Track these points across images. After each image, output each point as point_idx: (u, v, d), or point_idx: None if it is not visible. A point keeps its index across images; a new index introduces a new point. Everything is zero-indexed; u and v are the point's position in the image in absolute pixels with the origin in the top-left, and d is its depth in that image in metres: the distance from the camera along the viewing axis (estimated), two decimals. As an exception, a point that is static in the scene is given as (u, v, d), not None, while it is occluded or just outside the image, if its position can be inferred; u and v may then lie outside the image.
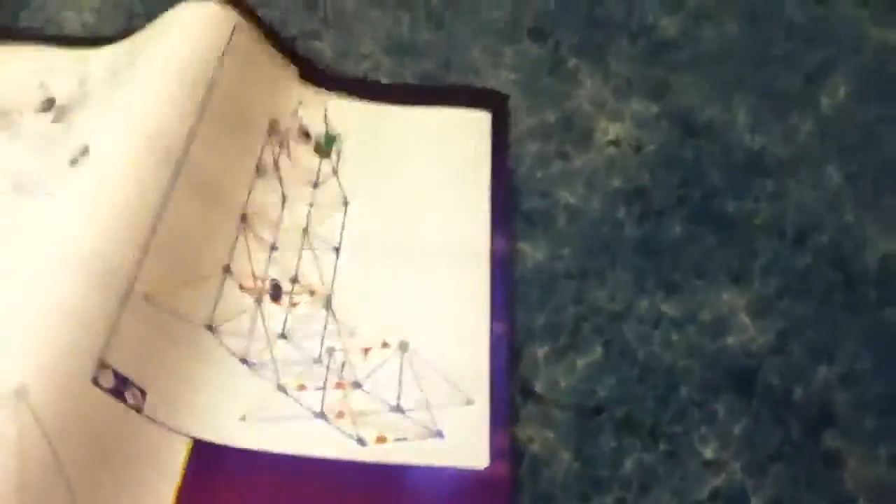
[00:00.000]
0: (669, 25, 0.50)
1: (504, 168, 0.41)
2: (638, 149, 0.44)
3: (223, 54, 0.39)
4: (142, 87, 0.37)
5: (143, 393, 0.29)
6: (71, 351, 0.28)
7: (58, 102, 0.41)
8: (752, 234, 0.40)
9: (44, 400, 0.26)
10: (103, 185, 0.33)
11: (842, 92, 0.46)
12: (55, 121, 0.40)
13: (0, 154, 0.38)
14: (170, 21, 0.41)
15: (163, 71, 0.37)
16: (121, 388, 0.29)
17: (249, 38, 0.42)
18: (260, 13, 0.44)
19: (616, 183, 0.42)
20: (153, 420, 0.29)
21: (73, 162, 0.36)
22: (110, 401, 0.28)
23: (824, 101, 0.46)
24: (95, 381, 0.28)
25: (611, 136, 0.44)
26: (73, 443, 0.26)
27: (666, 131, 0.45)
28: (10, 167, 0.38)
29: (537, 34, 0.49)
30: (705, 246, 0.40)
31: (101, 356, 0.28)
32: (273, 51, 0.43)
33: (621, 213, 0.41)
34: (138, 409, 0.29)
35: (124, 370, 0.29)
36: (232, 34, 0.41)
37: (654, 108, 0.46)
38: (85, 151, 0.35)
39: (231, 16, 0.41)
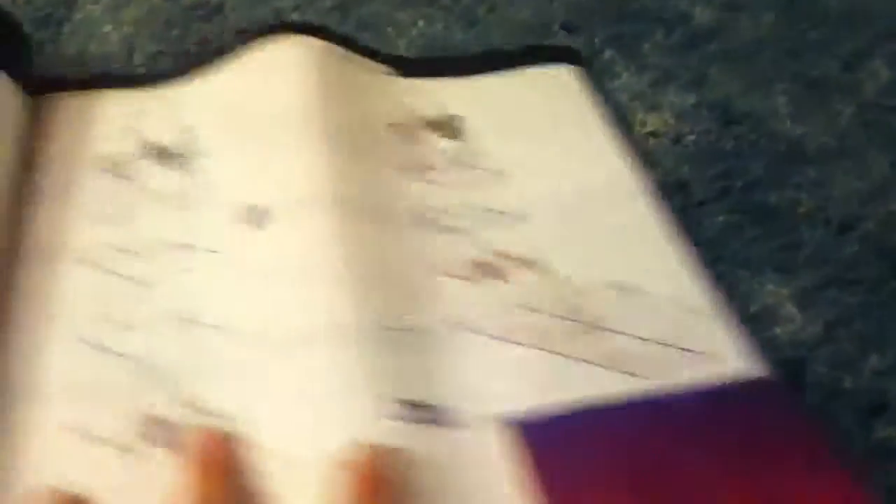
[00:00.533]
0: (704, 15, 0.50)
1: (613, 108, 0.44)
2: (677, 140, 0.43)
3: (326, 83, 0.40)
4: (295, 146, 0.38)
5: (434, 409, 0.31)
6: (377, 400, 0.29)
7: (167, 150, 0.40)
8: (796, 223, 0.40)
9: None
10: (325, 253, 0.33)
11: (884, 76, 0.46)
12: (173, 168, 0.39)
13: (125, 205, 0.38)
14: (266, 61, 0.42)
15: (294, 122, 0.38)
16: (425, 414, 0.30)
17: (337, 55, 0.43)
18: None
19: (655, 175, 0.42)
20: (466, 421, 0.30)
21: (248, 221, 0.35)
22: (427, 429, 0.30)
23: (866, 86, 0.45)
24: (402, 419, 0.29)
25: (649, 128, 0.44)
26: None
27: (705, 122, 0.44)
28: (145, 220, 0.37)
29: (571, 28, 0.49)
30: (748, 237, 0.39)
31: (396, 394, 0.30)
32: (359, 58, 0.45)
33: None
34: (442, 424, 0.30)
35: (418, 397, 0.30)
36: (324, 59, 0.42)
37: (692, 99, 0.46)
38: (258, 213, 0.35)
39: (317, 43, 0.43)
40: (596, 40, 0.49)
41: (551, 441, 0.30)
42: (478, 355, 0.33)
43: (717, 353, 0.33)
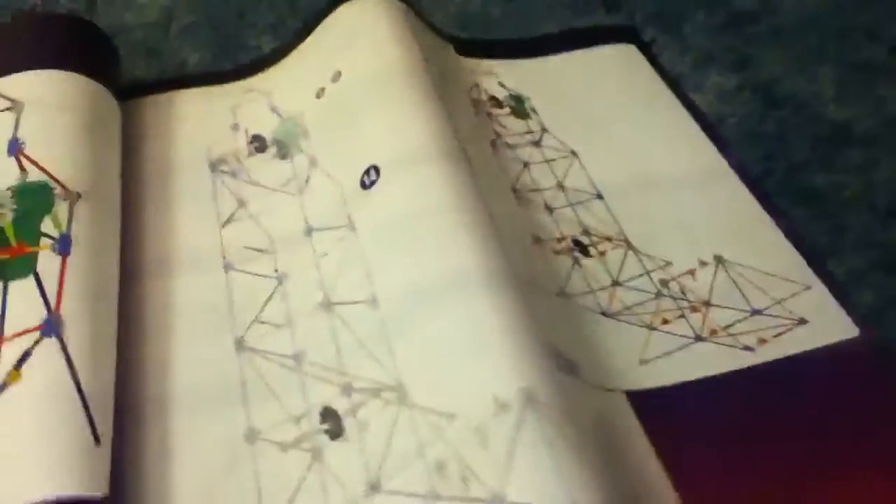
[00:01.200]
0: (747, -5, 0.49)
1: (678, 87, 0.43)
2: (720, 122, 0.43)
3: (419, 46, 0.39)
4: (391, 103, 0.36)
5: (576, 365, 0.30)
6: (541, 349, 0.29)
7: (267, 139, 0.39)
8: (842, 207, 0.40)
9: (549, 400, 0.27)
10: (438, 204, 0.32)
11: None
12: (282, 158, 0.38)
13: (257, 204, 0.36)
14: (350, 23, 0.41)
15: (398, 79, 0.37)
16: (570, 366, 0.30)
17: (418, 23, 0.42)
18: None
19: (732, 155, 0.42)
20: (598, 386, 0.30)
21: (364, 186, 0.34)
22: (574, 381, 0.29)
23: (913, 70, 0.45)
24: (559, 367, 0.29)
25: (692, 110, 0.44)
26: (586, 433, 0.27)
27: (748, 104, 0.44)
28: (266, 215, 0.36)
29: (612, 4, 0.49)
30: (793, 220, 0.39)
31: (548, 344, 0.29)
32: (432, 32, 0.43)
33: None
34: (584, 381, 0.30)
35: (559, 349, 0.30)
36: (411, 21, 0.41)
37: (735, 81, 0.45)
38: (371, 175, 0.34)
39: (400, 5, 0.41)
40: (637, 18, 0.48)
41: (666, 412, 0.30)
42: (590, 326, 0.33)
43: (820, 320, 0.33)
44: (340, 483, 0.27)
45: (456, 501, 0.25)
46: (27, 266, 0.29)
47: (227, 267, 0.34)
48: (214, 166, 0.38)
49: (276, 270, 0.34)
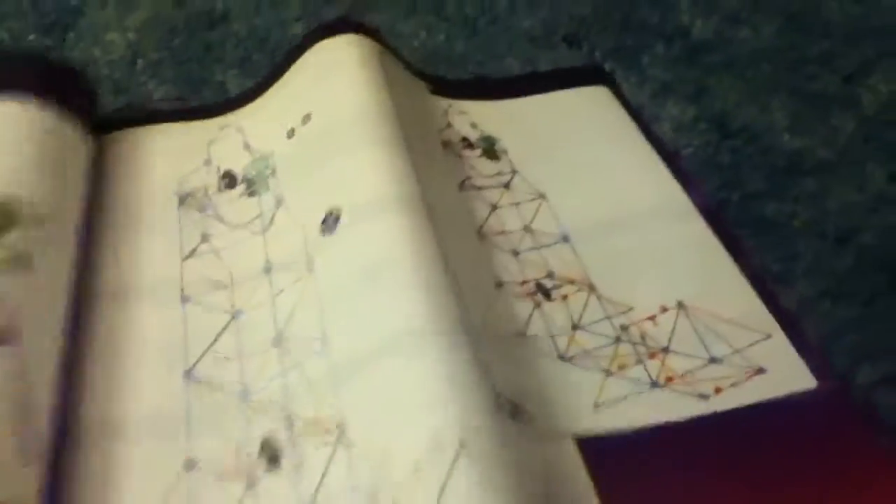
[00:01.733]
0: (704, 28, 0.50)
1: (650, 129, 0.44)
2: (675, 153, 0.44)
3: (390, 86, 0.40)
4: (356, 147, 0.37)
5: (522, 408, 0.30)
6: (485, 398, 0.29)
7: (239, 176, 0.40)
8: (793, 236, 0.40)
9: (485, 447, 0.27)
10: (396, 254, 0.33)
11: (884, 91, 0.46)
12: (250, 195, 0.39)
13: (220, 239, 0.37)
14: (323, 63, 0.42)
15: (365, 124, 0.38)
16: (515, 411, 0.30)
17: (391, 62, 0.43)
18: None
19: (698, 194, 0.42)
20: (543, 430, 0.30)
21: (326, 231, 0.35)
22: (516, 426, 0.29)
23: (866, 100, 0.46)
24: (501, 410, 0.29)
25: (648, 141, 0.44)
26: (521, 477, 0.27)
27: (703, 134, 0.45)
28: (228, 250, 0.37)
29: (573, 40, 0.50)
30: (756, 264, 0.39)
31: (496, 389, 0.30)
32: (406, 71, 0.44)
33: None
34: (529, 425, 0.30)
35: (507, 393, 0.30)
36: (385, 62, 0.42)
37: (692, 112, 0.46)
38: (332, 219, 0.35)
39: (373, 44, 0.42)
40: (597, 53, 0.49)
41: (618, 458, 0.30)
42: (546, 369, 0.33)
43: (778, 370, 0.33)
44: None
45: None
46: None
47: (185, 299, 0.35)
48: (183, 200, 0.39)
49: (233, 305, 0.34)
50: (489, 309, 0.34)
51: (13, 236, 0.31)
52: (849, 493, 0.29)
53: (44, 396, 0.28)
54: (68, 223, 0.35)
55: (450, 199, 0.39)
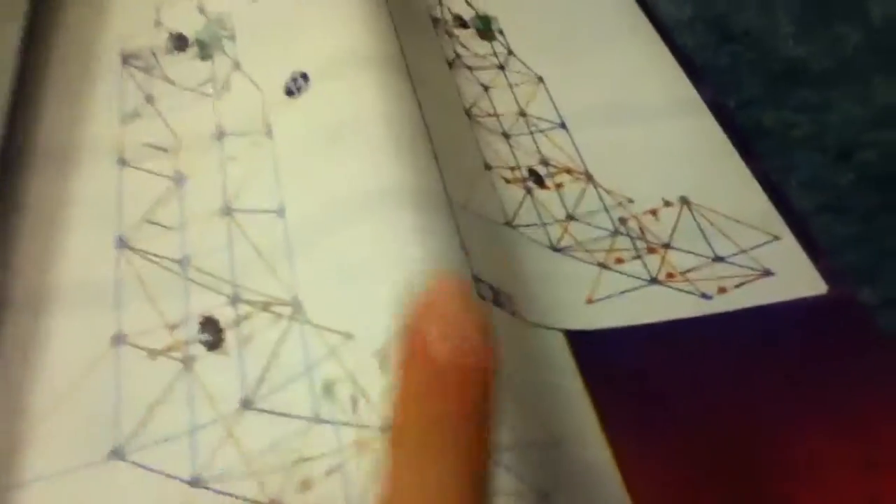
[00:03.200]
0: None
1: (658, 18, 0.40)
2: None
3: None
4: (328, 8, 0.34)
5: (509, 297, 0.28)
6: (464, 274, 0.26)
7: (189, 38, 0.36)
8: (791, 146, 0.37)
9: None
10: (368, 112, 0.30)
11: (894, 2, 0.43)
12: (203, 59, 0.35)
13: (166, 102, 0.34)
14: None
15: None
16: (497, 297, 0.27)
17: None
18: None
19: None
20: (527, 321, 0.28)
21: (290, 93, 0.32)
22: (499, 312, 0.27)
23: (875, 11, 0.43)
24: (481, 296, 0.26)
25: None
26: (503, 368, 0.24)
27: (701, 35, 0.41)
28: (176, 113, 0.33)
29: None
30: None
31: (473, 272, 0.27)
32: None
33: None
34: (513, 314, 0.28)
35: (489, 279, 0.28)
36: None
37: (688, 11, 0.42)
38: (297, 80, 0.32)
39: None
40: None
41: (611, 356, 0.28)
42: (537, 260, 0.30)
43: (786, 273, 0.31)
44: (210, 396, 0.24)
45: (339, 425, 0.23)
46: None
47: (122, 162, 0.31)
48: (127, 59, 0.35)
49: (177, 171, 0.31)
50: (473, 190, 0.31)
51: None
52: (856, 394, 0.27)
53: None
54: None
55: (435, 72, 0.35)
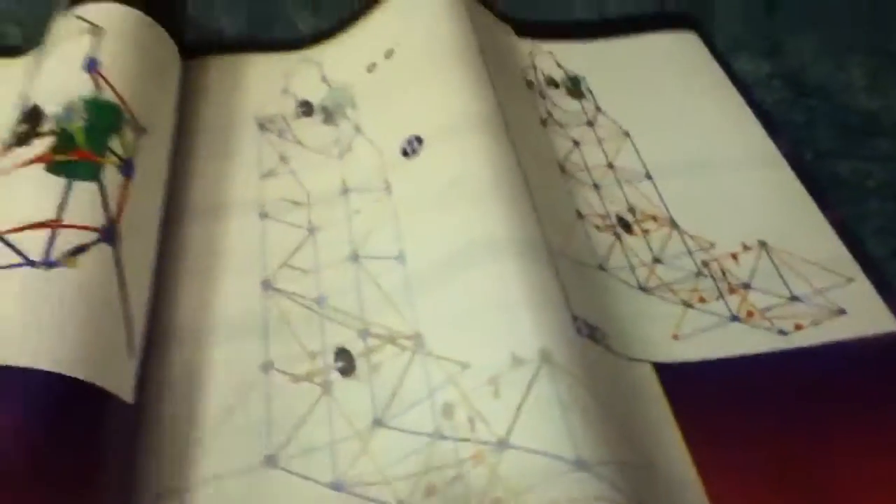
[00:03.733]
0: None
1: (736, 77, 0.43)
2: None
3: (474, 24, 0.40)
4: (439, 77, 0.38)
5: (604, 334, 0.31)
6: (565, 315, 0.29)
7: (315, 105, 0.41)
8: (865, 195, 0.39)
9: (566, 362, 0.27)
10: (474, 171, 0.33)
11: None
12: (327, 123, 0.40)
13: (298, 162, 0.38)
14: (406, 5, 0.42)
15: (449, 56, 0.38)
16: (593, 334, 0.30)
17: (474, 3, 0.43)
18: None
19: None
20: (622, 355, 0.31)
21: (405, 154, 0.36)
22: (595, 347, 0.30)
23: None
24: (578, 331, 0.29)
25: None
26: (600, 396, 0.28)
27: (777, 91, 0.44)
28: (307, 172, 0.37)
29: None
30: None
31: (572, 311, 0.30)
32: (487, 10, 0.45)
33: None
34: (607, 348, 0.31)
35: (585, 317, 0.30)
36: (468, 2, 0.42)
37: (766, 68, 0.45)
38: (412, 143, 0.35)
39: None
40: (668, 3, 0.48)
41: (693, 386, 0.30)
42: (627, 300, 0.33)
43: (859, 312, 0.33)
44: (346, 416, 0.28)
45: (459, 442, 0.26)
46: (92, 172, 0.30)
47: (264, 215, 0.35)
48: (262, 125, 0.40)
49: (310, 222, 0.35)
50: (568, 237, 0.34)
51: (119, 140, 0.32)
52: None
53: (142, 297, 0.29)
54: (165, 138, 0.36)
55: (531, 131, 0.39)
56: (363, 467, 0.27)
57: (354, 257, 0.33)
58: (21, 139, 0.31)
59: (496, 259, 0.30)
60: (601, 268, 0.34)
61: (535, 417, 0.26)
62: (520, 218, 0.31)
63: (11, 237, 0.27)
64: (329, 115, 0.40)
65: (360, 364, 0.29)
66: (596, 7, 0.49)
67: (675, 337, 0.32)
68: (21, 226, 0.28)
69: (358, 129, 0.39)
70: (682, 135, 0.40)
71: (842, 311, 0.33)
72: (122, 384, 0.26)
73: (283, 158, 0.38)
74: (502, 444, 0.25)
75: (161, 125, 0.35)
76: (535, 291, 0.29)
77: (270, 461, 0.27)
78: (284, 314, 0.31)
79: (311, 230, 0.35)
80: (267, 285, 0.33)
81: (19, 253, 0.27)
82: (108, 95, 0.33)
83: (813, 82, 0.44)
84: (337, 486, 0.26)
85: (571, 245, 0.34)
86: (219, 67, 0.43)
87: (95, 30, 0.35)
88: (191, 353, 0.30)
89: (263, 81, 0.42)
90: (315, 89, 0.41)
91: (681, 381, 0.30)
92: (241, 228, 0.35)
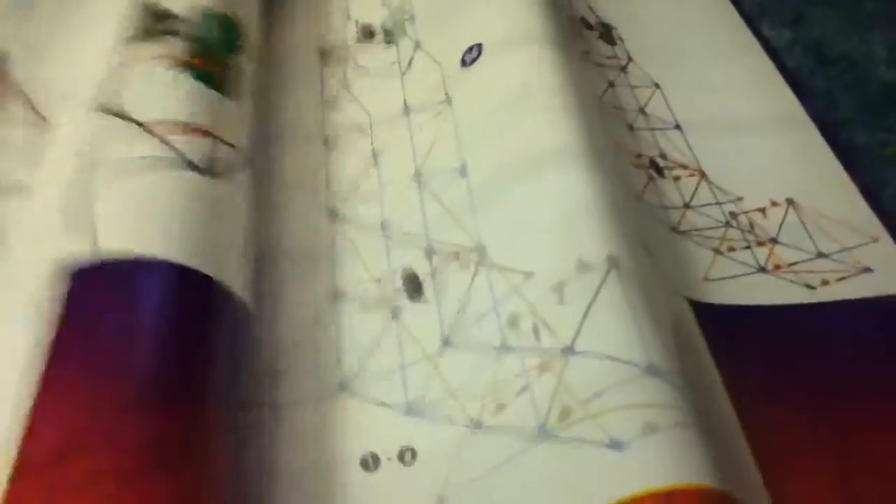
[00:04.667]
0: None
1: (765, 38, 0.44)
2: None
3: None
4: None
5: (654, 256, 0.31)
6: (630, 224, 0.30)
7: (376, 27, 0.41)
8: (881, 164, 0.40)
9: (635, 267, 0.28)
10: (537, 80, 0.34)
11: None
12: (388, 43, 0.40)
13: (360, 87, 0.38)
14: None
15: None
16: (651, 254, 0.31)
17: None
18: None
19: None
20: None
21: (464, 63, 0.36)
22: (656, 265, 0.31)
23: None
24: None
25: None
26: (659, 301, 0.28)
27: (798, 58, 0.45)
28: (367, 97, 0.38)
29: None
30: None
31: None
32: None
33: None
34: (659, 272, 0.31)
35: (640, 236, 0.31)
36: None
37: (788, 35, 0.46)
38: (473, 53, 0.36)
39: None
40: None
41: (726, 330, 0.31)
42: (661, 236, 0.34)
43: (885, 271, 0.34)
44: (416, 339, 0.29)
45: (525, 352, 0.27)
46: (226, 87, 0.31)
47: (328, 144, 0.36)
48: (324, 54, 0.40)
49: (373, 147, 0.35)
50: (613, 162, 0.35)
51: (239, 59, 0.32)
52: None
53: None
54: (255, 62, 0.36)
55: (575, 59, 0.39)
56: (433, 389, 0.27)
57: (417, 176, 0.34)
58: (146, 35, 0.31)
59: (563, 168, 0.30)
60: (639, 199, 0.35)
61: (603, 322, 0.26)
62: (587, 128, 0.32)
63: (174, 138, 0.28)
64: (389, 35, 0.40)
65: (427, 286, 0.30)
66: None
67: (707, 279, 0.33)
68: (182, 129, 0.28)
69: (417, 44, 0.39)
70: (710, 91, 0.41)
71: (867, 269, 0.34)
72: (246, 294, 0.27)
73: (346, 85, 0.38)
74: (568, 351, 0.26)
75: (256, 48, 0.36)
76: (603, 199, 0.29)
77: (343, 386, 0.28)
78: (351, 240, 0.32)
79: (375, 154, 0.35)
80: (332, 213, 0.33)
81: (182, 155, 0.27)
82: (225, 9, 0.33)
83: (834, 52, 0.45)
84: (408, 409, 0.27)
85: (616, 170, 0.34)
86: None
87: None
88: (260, 283, 0.30)
89: (326, 10, 0.42)
90: (375, 12, 0.42)
91: (714, 321, 0.31)
92: (305, 157, 0.35)
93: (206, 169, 0.28)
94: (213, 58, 0.31)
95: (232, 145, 0.30)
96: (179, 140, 0.28)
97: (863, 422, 0.29)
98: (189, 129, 0.28)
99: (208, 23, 0.32)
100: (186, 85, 0.30)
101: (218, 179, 0.28)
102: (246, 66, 0.33)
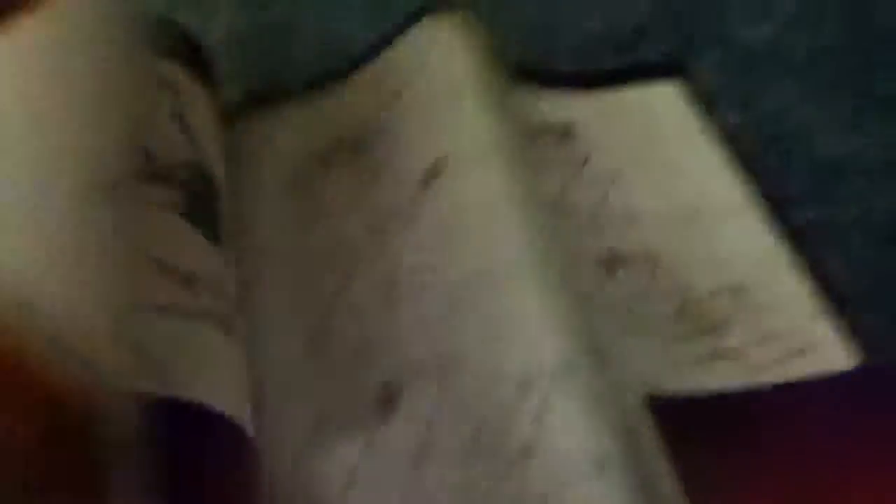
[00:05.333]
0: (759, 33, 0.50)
1: (719, 125, 0.45)
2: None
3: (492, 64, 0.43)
4: (461, 110, 0.41)
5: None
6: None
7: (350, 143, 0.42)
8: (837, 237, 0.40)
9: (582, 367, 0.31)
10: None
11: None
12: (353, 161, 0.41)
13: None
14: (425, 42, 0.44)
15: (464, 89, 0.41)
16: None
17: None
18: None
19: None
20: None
21: (424, 184, 0.38)
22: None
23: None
24: None
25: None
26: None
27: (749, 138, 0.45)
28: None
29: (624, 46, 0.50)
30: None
31: None
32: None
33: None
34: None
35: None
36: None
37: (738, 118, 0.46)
38: (433, 174, 0.38)
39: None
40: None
41: (683, 420, 0.33)
42: (611, 333, 0.35)
43: (823, 352, 0.35)
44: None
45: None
46: None
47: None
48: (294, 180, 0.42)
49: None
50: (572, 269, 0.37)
51: None
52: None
53: None
54: None
55: (533, 171, 0.41)
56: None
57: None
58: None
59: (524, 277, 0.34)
60: (591, 297, 0.37)
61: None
62: (542, 239, 0.36)
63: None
64: (355, 150, 0.41)
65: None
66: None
67: (658, 373, 0.35)
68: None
69: (387, 155, 0.40)
70: (669, 183, 0.43)
71: (807, 349, 0.36)
72: None
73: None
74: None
75: None
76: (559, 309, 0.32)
77: None
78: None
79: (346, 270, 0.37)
80: None
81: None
82: None
83: (785, 128, 0.45)
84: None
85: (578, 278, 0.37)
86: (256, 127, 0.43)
87: None
88: None
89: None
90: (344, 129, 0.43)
91: (664, 413, 0.33)
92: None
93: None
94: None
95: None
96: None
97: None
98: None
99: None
100: None
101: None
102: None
